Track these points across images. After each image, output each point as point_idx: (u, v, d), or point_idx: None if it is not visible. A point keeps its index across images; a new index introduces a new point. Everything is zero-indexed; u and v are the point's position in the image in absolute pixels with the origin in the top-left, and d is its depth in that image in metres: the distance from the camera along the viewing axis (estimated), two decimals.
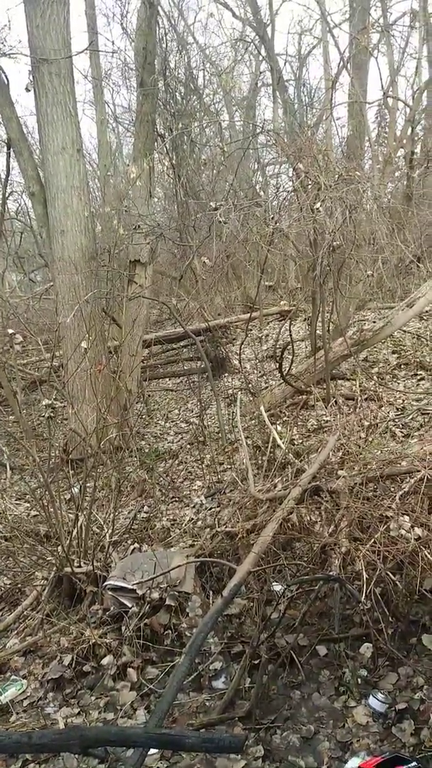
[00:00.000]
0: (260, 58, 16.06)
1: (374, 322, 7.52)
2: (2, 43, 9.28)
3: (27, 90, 6.59)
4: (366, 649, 3.08)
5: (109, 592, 3.58)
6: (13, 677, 3.42)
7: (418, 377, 6.80)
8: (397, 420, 5.55)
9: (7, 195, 8.69)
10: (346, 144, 11.20)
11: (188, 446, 6.53)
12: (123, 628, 3.43)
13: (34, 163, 7.15)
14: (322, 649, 3.19)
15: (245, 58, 16.94)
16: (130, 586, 3.49)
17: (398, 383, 6.72)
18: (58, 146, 6.42)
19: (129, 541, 4.52)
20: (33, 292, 10.15)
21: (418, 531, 3.08)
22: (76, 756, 2.72)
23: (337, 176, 5.71)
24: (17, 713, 3.17)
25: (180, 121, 9.39)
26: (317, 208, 5.32)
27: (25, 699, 3.27)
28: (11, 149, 7.30)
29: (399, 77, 14.03)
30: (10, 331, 5.43)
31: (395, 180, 11.45)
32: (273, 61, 14.32)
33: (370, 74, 11.80)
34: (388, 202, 6.94)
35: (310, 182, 5.78)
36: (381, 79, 23.29)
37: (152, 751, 2.63)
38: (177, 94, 10.21)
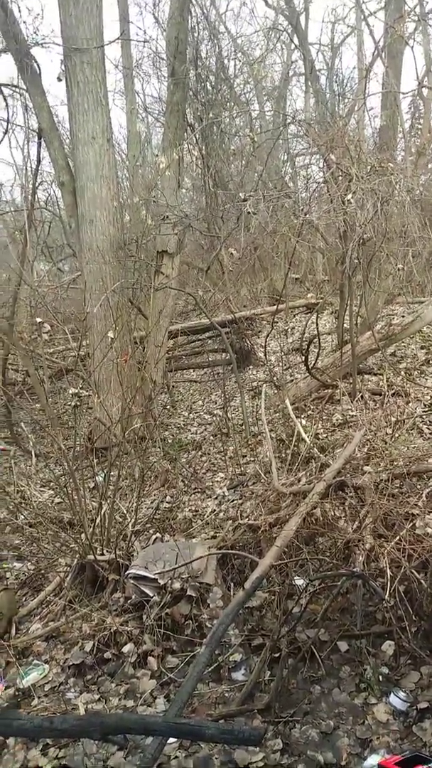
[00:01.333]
0: (292, 47, 15.89)
1: (403, 316, 7.39)
2: (35, 32, 9.33)
3: (59, 79, 6.61)
4: (388, 646, 3.06)
5: (131, 581, 3.60)
6: (36, 662, 3.47)
7: None
8: (424, 416, 5.47)
9: (37, 184, 8.72)
10: (378, 135, 11.03)
11: (211, 438, 6.53)
12: (144, 616, 3.45)
13: (64, 152, 7.18)
14: (343, 645, 3.17)
15: (277, 48, 16.76)
16: (152, 576, 3.51)
17: (426, 379, 6.61)
18: (89, 136, 6.43)
19: (151, 531, 4.54)
20: (61, 281, 10.22)
21: None
22: (96, 742, 2.75)
23: (369, 167, 5.62)
24: (39, 697, 3.21)
25: (210, 111, 9.34)
26: (348, 200, 5.24)
27: (46, 684, 3.31)
28: (42, 139, 7.34)
29: None
30: (39, 319, 5.47)
31: (428, 172, 11.23)
32: (305, 50, 14.16)
33: (405, 64, 11.58)
34: (420, 195, 6.82)
35: (341, 173, 5.70)
36: (416, 68, 22.84)
37: (171, 740, 2.64)
38: (208, 83, 10.17)
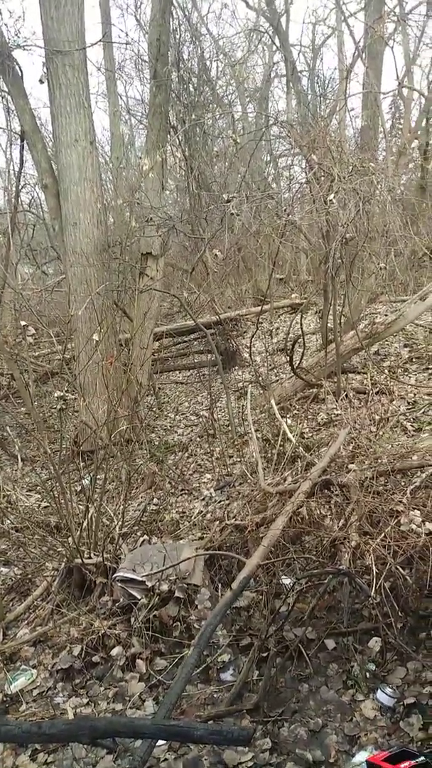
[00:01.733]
0: (274, 48, 15.94)
1: (386, 315, 7.44)
2: (16, 34, 9.28)
3: (41, 82, 6.59)
4: (375, 643, 3.08)
5: (119, 584, 3.60)
6: (23, 667, 3.45)
7: (430, 371, 6.74)
8: (408, 414, 5.51)
9: (20, 187, 8.69)
10: (359, 135, 11.11)
11: (198, 439, 6.53)
12: (132, 619, 3.45)
13: (47, 155, 7.16)
14: (330, 643, 3.19)
15: (258, 49, 16.80)
16: (139, 578, 3.51)
17: (410, 377, 6.66)
18: (71, 138, 6.42)
19: (138, 533, 4.54)
20: (45, 284, 10.18)
21: (429, 525, 3.07)
22: (85, 746, 2.74)
23: (350, 167, 5.66)
24: (27, 703, 3.20)
25: (193, 113, 9.35)
26: (330, 200, 5.27)
27: (34, 689, 3.30)
28: (24, 141, 7.31)
29: (414, 67, 13.82)
30: (23, 323, 5.44)
31: (409, 171, 11.32)
32: (287, 51, 14.21)
33: (385, 64, 11.66)
34: (401, 194, 6.87)
35: (323, 174, 5.73)
36: (396, 69, 23.05)
37: (160, 742, 2.64)
38: (190, 85, 10.18)
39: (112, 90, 15.03)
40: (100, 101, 15.78)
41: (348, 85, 11.30)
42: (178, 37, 9.69)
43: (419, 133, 11.78)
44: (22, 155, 7.79)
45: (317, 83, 16.29)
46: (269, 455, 4.81)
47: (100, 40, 10.25)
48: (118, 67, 14.68)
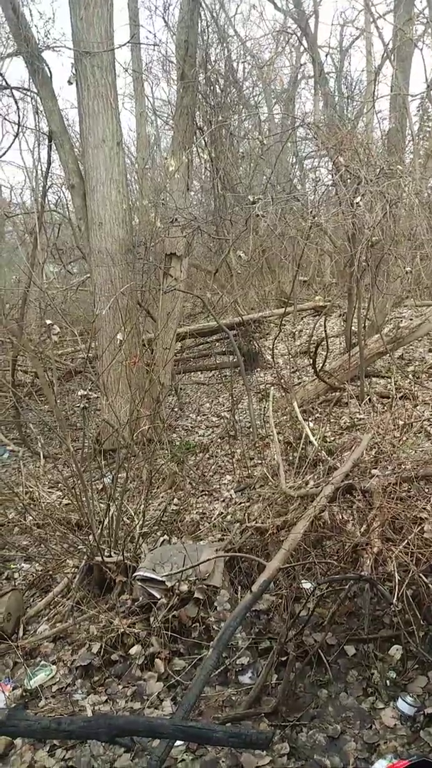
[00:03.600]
0: (301, 50, 15.88)
1: (411, 319, 7.38)
2: (46, 35, 9.39)
3: (69, 83, 6.65)
4: (395, 650, 3.05)
5: (139, 583, 3.61)
6: (43, 663, 3.48)
7: None
8: None
9: (47, 187, 8.77)
10: (387, 137, 11.00)
11: (219, 440, 6.53)
12: (151, 619, 3.46)
13: (74, 155, 7.22)
14: (350, 649, 3.16)
15: (286, 51, 16.77)
16: (159, 578, 3.51)
17: None
18: (99, 139, 6.46)
19: (159, 533, 4.54)
20: (70, 283, 10.26)
21: None
22: (103, 744, 2.75)
23: (377, 170, 5.62)
24: (46, 698, 3.22)
25: (219, 114, 9.35)
26: (357, 203, 5.24)
27: (53, 684, 3.32)
28: (52, 142, 7.38)
29: None
30: (48, 321, 5.49)
31: None
32: (314, 53, 14.14)
33: (413, 66, 11.55)
34: (429, 197, 6.80)
35: (349, 176, 5.70)
36: (425, 71, 22.89)
37: (178, 742, 2.64)
38: (217, 86, 10.16)
39: (139, 91, 15.12)
40: (127, 102, 15.90)
41: (376, 87, 11.24)
42: (205, 38, 9.69)
43: None
44: (49, 155, 7.86)
45: (345, 85, 16.18)
46: (291, 458, 4.79)
47: (128, 42, 10.31)
48: (146, 69, 14.75)
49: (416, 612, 2.90)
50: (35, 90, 7.44)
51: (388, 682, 2.93)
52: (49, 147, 7.60)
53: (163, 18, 19.34)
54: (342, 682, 3.02)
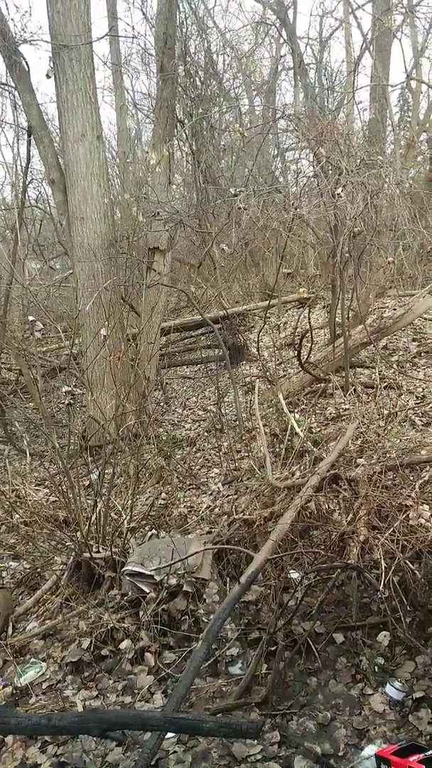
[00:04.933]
0: (281, 41, 15.82)
1: (394, 309, 7.42)
2: (23, 29, 9.28)
3: (48, 77, 6.59)
4: (383, 637, 3.08)
5: (127, 578, 3.61)
6: (33, 660, 3.47)
7: None
8: (416, 408, 5.50)
9: (27, 183, 8.69)
10: (367, 128, 11.04)
11: (206, 434, 6.54)
12: (141, 613, 3.46)
13: (54, 150, 7.16)
14: (339, 637, 3.19)
15: (266, 42, 16.68)
16: (147, 572, 3.52)
17: (418, 371, 6.65)
18: (78, 133, 6.41)
19: (147, 528, 4.54)
20: (53, 279, 10.20)
21: None
22: (95, 738, 2.76)
23: (358, 161, 5.63)
24: (36, 695, 3.22)
25: (200, 107, 9.31)
26: (338, 194, 5.25)
27: (44, 681, 3.32)
28: (31, 136, 7.31)
29: (423, 59, 13.70)
30: (31, 318, 5.46)
31: (418, 164, 11.25)
32: (294, 44, 14.10)
33: (393, 56, 11.59)
34: (410, 187, 6.83)
35: (330, 167, 5.70)
36: (404, 61, 22.88)
37: (169, 734, 2.65)
38: (197, 79, 10.11)
39: (118, 84, 15.00)
40: (106, 95, 15.76)
41: (356, 77, 11.27)
42: (184, 30, 9.64)
43: (427, 125, 11.69)
44: (29, 150, 7.79)
45: (325, 76, 16.16)
46: (277, 450, 4.81)
47: (106, 34, 10.24)
48: (125, 61, 14.64)
49: (403, 598, 2.93)
50: (13, 84, 7.37)
51: (376, 668, 2.96)
52: (29, 142, 7.54)
53: (142, 10, 19.17)
54: (331, 669, 3.04)
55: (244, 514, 4.01)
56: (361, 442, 4.26)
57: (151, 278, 7.13)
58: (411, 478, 3.55)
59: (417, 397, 5.86)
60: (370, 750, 2.51)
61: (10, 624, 3.83)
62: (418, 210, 6.61)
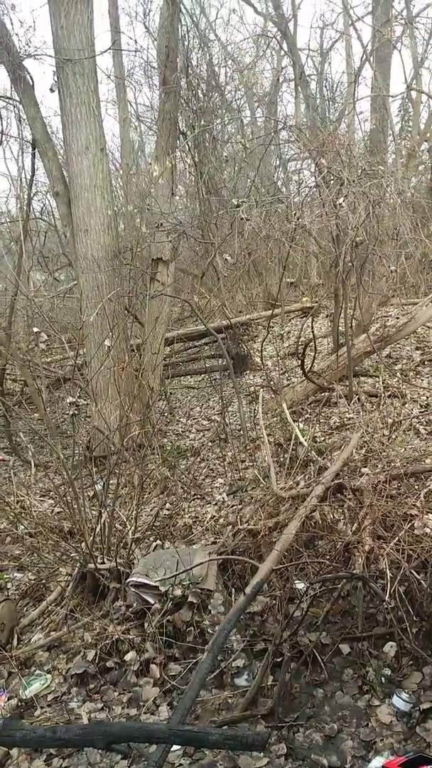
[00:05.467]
0: (282, 53, 15.96)
1: (397, 318, 7.43)
2: (27, 44, 9.38)
3: (51, 90, 6.65)
4: (390, 648, 3.06)
5: (132, 589, 3.61)
6: (38, 672, 3.47)
7: None
8: (421, 417, 5.48)
9: (32, 195, 8.76)
10: (369, 138, 11.10)
11: (210, 444, 6.54)
12: (146, 624, 3.45)
13: (58, 163, 7.21)
14: (345, 648, 3.18)
15: (267, 54, 16.82)
16: (152, 583, 3.51)
17: (422, 380, 6.64)
18: (82, 146, 6.47)
19: (151, 538, 4.54)
20: (57, 290, 10.24)
21: None
22: (100, 751, 2.74)
23: (360, 171, 5.66)
24: (42, 708, 3.20)
25: (202, 119, 9.37)
26: (340, 204, 5.27)
27: (49, 693, 3.31)
28: (36, 149, 7.37)
29: (423, 70, 13.80)
30: (36, 329, 5.48)
31: (419, 174, 11.30)
32: (295, 56, 14.22)
33: (393, 67, 11.66)
34: (411, 197, 6.85)
35: (332, 177, 5.73)
36: (404, 72, 23.02)
37: (175, 747, 2.64)
38: (199, 91, 10.18)
39: (121, 97, 15.12)
40: (109, 108, 15.85)
41: (356, 88, 11.34)
42: (186, 43, 9.71)
43: (428, 135, 11.75)
44: (33, 163, 7.86)
45: (326, 87, 16.28)
46: (281, 459, 4.80)
47: (109, 48, 10.36)
48: (128, 75, 14.75)
49: (409, 608, 2.92)
50: (17, 98, 7.44)
51: (383, 679, 2.94)
52: (33, 155, 7.61)
53: (144, 24, 19.41)
54: (337, 680, 3.03)
55: (248, 525, 4.00)
56: (365, 451, 4.26)
57: (154, 289, 7.16)
58: (416, 487, 3.54)
59: (421, 406, 5.85)
60: (377, 762, 2.49)
61: (15, 635, 3.83)
62: (420, 219, 6.64)
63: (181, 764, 2.67)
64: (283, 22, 14.60)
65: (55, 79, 6.59)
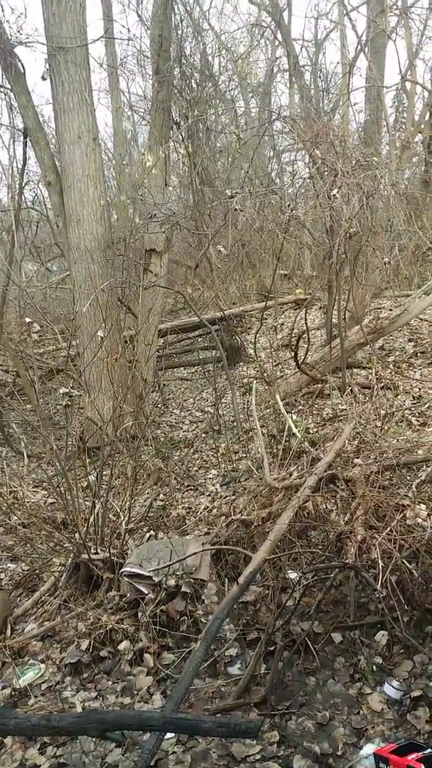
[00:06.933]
0: (276, 43, 15.86)
1: (391, 310, 7.44)
2: (18, 31, 9.27)
3: (43, 79, 6.60)
4: (381, 636, 3.09)
5: (126, 579, 3.62)
6: (31, 661, 3.47)
7: None
8: (413, 408, 5.52)
9: (23, 184, 8.70)
10: (363, 129, 11.07)
11: (203, 435, 6.55)
12: (139, 614, 3.47)
13: (50, 152, 7.15)
14: (337, 637, 3.20)
15: (261, 44, 16.72)
16: (146, 573, 3.52)
17: (415, 372, 6.67)
18: (74, 135, 6.42)
19: (145, 529, 4.55)
20: (49, 281, 10.20)
21: None
22: (94, 739, 2.76)
23: (354, 162, 5.64)
24: (36, 697, 3.22)
25: (195, 109, 9.32)
26: (334, 195, 5.26)
27: (43, 683, 3.32)
28: (27, 138, 7.31)
29: (417, 61, 13.72)
30: (28, 320, 5.46)
31: (413, 165, 11.29)
32: (289, 46, 14.14)
33: (387, 58, 11.63)
34: (405, 188, 6.85)
35: (326, 169, 5.72)
36: (399, 62, 23.00)
37: (168, 735, 2.65)
38: (192, 81, 10.12)
39: (114, 86, 15.02)
40: (102, 98, 15.73)
41: (351, 79, 11.30)
42: (180, 32, 9.64)
43: (423, 127, 11.72)
44: (25, 152, 7.80)
45: (320, 78, 16.23)
46: (275, 450, 4.82)
47: (102, 37, 10.28)
48: (120, 64, 14.64)
49: (400, 597, 2.94)
50: (8, 86, 7.36)
51: (374, 667, 2.97)
52: (25, 144, 7.55)
53: (137, 12, 19.12)
54: (329, 669, 3.05)
55: (242, 515, 4.01)
56: (358, 442, 4.28)
57: (147, 280, 7.13)
58: (408, 477, 3.57)
59: (413, 397, 5.88)
60: (368, 749, 2.52)
61: (9, 625, 3.83)
62: (414, 211, 6.64)
63: (174, 752, 2.69)
64: (277, 12, 14.51)
65: (47, 67, 6.53)
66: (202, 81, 10.68)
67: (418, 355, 7.12)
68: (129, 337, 7.42)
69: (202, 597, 3.49)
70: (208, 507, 4.81)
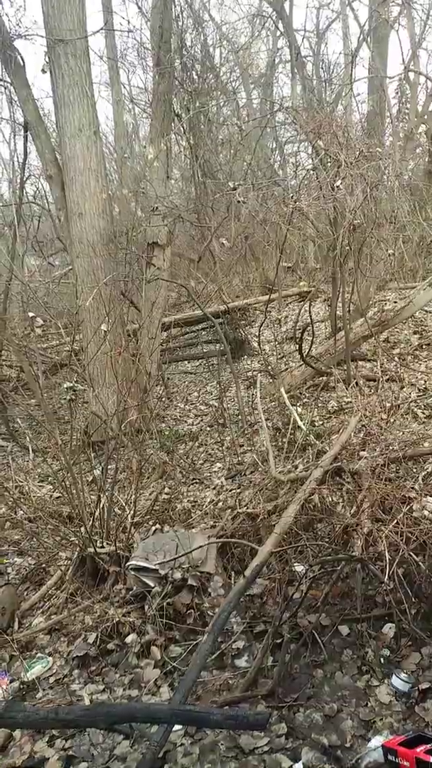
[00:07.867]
0: (278, 34, 15.75)
1: (395, 302, 7.41)
2: (18, 24, 9.23)
3: (43, 71, 6.56)
4: (389, 629, 3.09)
5: (132, 572, 3.62)
6: (39, 655, 3.49)
7: None
8: (419, 401, 5.50)
9: (25, 178, 8.67)
10: (366, 120, 11.00)
11: (208, 428, 6.54)
12: (146, 607, 3.47)
13: (51, 145, 7.12)
14: (344, 629, 3.20)
15: (262, 35, 16.61)
16: (152, 566, 3.53)
17: (420, 364, 6.64)
18: (75, 128, 6.39)
19: (150, 522, 4.55)
20: (52, 275, 10.18)
21: None
22: (102, 732, 2.77)
23: (357, 153, 5.60)
24: (43, 690, 3.23)
25: (197, 101, 9.27)
26: (337, 186, 5.23)
27: (51, 676, 3.33)
28: (28, 132, 7.28)
29: (420, 51, 13.65)
30: (31, 314, 5.46)
31: (417, 156, 11.22)
32: (291, 36, 14.04)
33: (390, 48, 11.53)
34: (409, 179, 6.81)
35: (329, 160, 5.68)
36: (402, 52, 22.76)
37: (176, 727, 2.66)
38: (194, 72, 10.07)
39: (114, 79, 14.96)
40: (103, 90, 15.67)
41: (353, 70, 11.22)
42: (180, 23, 9.58)
43: (426, 117, 11.65)
44: (25, 146, 7.77)
45: (322, 68, 16.10)
46: (280, 444, 4.81)
47: (101, 29, 10.22)
48: (121, 56, 14.58)
49: (407, 590, 2.94)
50: (8, 80, 7.34)
51: (382, 659, 2.97)
52: (25, 137, 7.52)
53: (137, 3, 19.03)
54: (337, 661, 3.05)
55: (247, 508, 4.01)
56: (363, 434, 4.26)
57: (150, 273, 7.11)
58: (414, 470, 3.56)
59: (419, 390, 5.86)
60: (377, 741, 2.52)
61: (16, 619, 3.85)
62: (418, 202, 6.60)
63: (182, 744, 2.69)
64: (278, 2, 14.40)
65: (47, 60, 6.50)
66: (204, 72, 10.63)
67: (424, 347, 7.10)
68: (132, 331, 7.41)
69: (209, 590, 3.50)
70: (213, 500, 4.80)
